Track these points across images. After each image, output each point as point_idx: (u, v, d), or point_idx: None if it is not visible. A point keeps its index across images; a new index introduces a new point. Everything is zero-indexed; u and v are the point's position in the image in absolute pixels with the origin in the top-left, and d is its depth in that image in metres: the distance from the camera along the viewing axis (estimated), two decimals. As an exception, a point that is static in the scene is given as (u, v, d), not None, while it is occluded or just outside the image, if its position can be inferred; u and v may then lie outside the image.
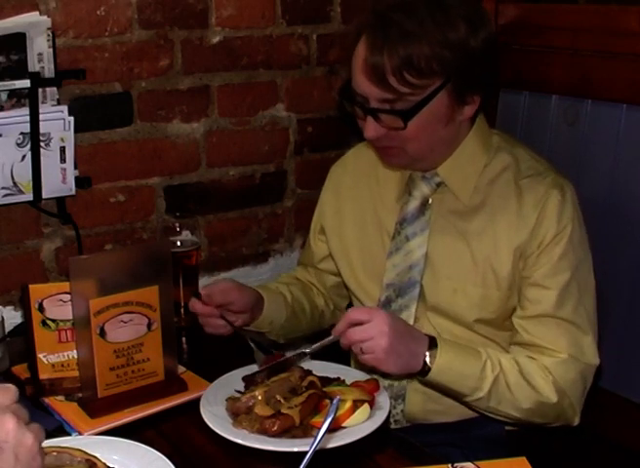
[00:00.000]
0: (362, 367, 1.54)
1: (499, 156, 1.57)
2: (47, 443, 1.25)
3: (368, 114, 1.46)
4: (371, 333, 1.39)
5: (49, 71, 1.78)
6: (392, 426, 1.62)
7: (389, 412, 1.44)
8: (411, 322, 1.58)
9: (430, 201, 1.59)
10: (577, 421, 1.54)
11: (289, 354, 1.56)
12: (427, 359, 1.43)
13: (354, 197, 1.73)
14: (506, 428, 1.59)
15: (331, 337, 1.46)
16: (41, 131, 1.79)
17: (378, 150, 1.58)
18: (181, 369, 1.59)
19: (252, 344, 1.60)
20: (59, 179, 1.85)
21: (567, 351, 1.49)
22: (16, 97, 1.77)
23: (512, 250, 1.51)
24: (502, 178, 1.55)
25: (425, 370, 1.43)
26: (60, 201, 1.90)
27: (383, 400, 1.45)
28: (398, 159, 1.54)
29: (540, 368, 1.49)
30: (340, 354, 1.80)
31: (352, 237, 1.71)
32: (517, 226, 1.51)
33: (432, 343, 1.44)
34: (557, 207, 1.50)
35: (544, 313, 1.50)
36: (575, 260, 1.51)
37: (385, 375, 1.55)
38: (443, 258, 1.57)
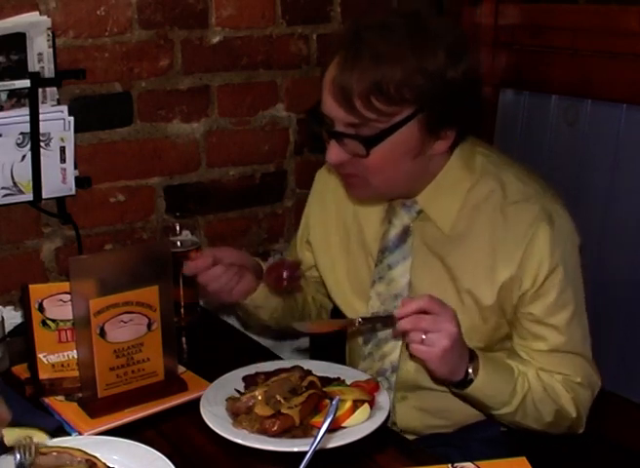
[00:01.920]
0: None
1: (483, 180, 1.47)
2: (47, 443, 1.26)
3: (332, 137, 1.38)
4: (440, 327, 1.31)
5: (49, 71, 1.78)
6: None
7: (389, 412, 1.43)
8: (397, 353, 1.55)
9: (412, 228, 1.53)
10: (582, 431, 1.54)
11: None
12: (470, 372, 1.38)
13: (339, 213, 1.66)
14: (502, 429, 1.59)
15: (389, 316, 1.38)
16: (41, 131, 1.79)
17: (341, 179, 1.51)
18: (181, 369, 1.59)
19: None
20: (59, 179, 1.85)
21: (579, 376, 1.49)
22: (16, 97, 1.77)
23: (498, 285, 1.44)
24: (487, 205, 1.46)
25: (465, 381, 1.39)
26: (60, 201, 1.90)
27: (383, 400, 1.45)
28: (361, 191, 1.47)
29: (562, 384, 1.47)
30: (341, 354, 1.80)
31: (338, 254, 1.66)
32: (502, 259, 1.44)
33: (472, 356, 1.39)
34: (548, 241, 1.42)
35: (553, 348, 1.47)
36: (573, 292, 1.46)
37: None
38: (427, 287, 1.48)
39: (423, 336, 1.32)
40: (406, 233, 1.53)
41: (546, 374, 1.48)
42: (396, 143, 1.35)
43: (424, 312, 1.32)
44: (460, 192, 1.47)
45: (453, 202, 1.48)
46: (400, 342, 1.54)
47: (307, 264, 1.77)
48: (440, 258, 1.50)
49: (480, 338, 1.47)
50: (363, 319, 1.44)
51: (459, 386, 1.41)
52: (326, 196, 1.70)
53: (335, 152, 1.39)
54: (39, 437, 1.29)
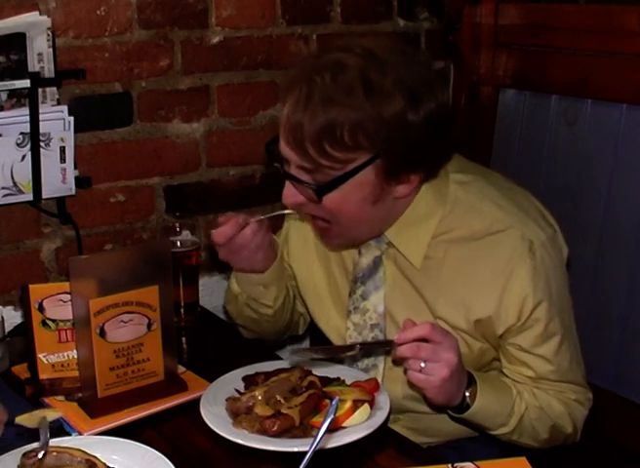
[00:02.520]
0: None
1: (456, 209, 1.40)
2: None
3: (286, 178, 1.33)
4: (440, 356, 1.27)
5: (49, 71, 1.78)
6: None
7: (389, 412, 1.43)
8: (379, 379, 1.51)
9: (384, 257, 1.48)
10: (577, 441, 1.53)
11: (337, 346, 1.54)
12: (467, 396, 1.36)
13: (317, 239, 1.57)
14: None
15: (388, 341, 1.37)
16: (41, 131, 1.79)
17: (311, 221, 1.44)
18: (181, 369, 1.59)
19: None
20: (59, 179, 1.85)
21: (573, 393, 1.47)
22: (16, 97, 1.77)
23: (473, 319, 1.40)
24: (460, 237, 1.40)
25: (463, 407, 1.36)
26: (60, 201, 1.90)
27: (383, 400, 1.45)
28: (330, 239, 1.43)
29: (557, 399, 1.46)
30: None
31: (320, 274, 1.60)
32: (478, 295, 1.39)
33: (469, 380, 1.36)
34: (530, 275, 1.36)
35: (541, 377, 1.44)
36: (560, 320, 1.42)
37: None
38: (404, 316, 1.38)
39: (422, 365, 1.28)
40: (377, 263, 1.48)
41: (541, 392, 1.45)
42: (351, 190, 1.29)
43: (425, 340, 1.28)
44: (431, 224, 1.41)
45: (422, 235, 1.41)
46: (382, 370, 1.52)
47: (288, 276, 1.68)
48: (414, 287, 1.46)
49: (467, 365, 1.38)
50: (362, 344, 1.44)
51: (455, 411, 1.39)
52: (305, 224, 1.60)
53: (290, 193, 1.34)
54: (52, 414, 1.36)
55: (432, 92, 1.28)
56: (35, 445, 1.25)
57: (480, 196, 1.41)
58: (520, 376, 1.45)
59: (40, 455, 1.21)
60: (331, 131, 1.23)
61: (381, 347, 1.48)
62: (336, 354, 1.48)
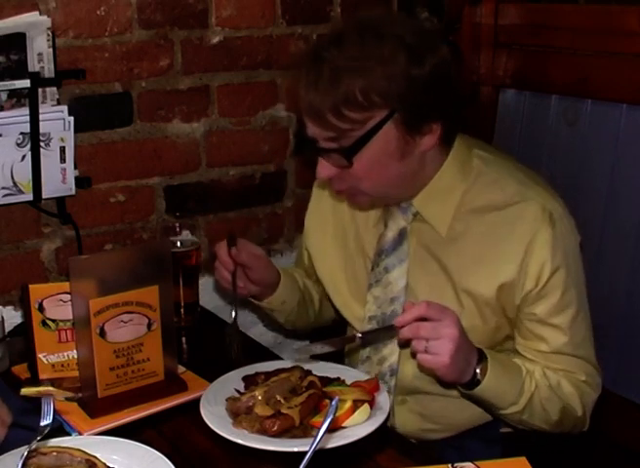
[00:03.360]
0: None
1: (479, 182, 1.48)
2: (47, 443, 1.26)
3: (317, 154, 1.40)
4: (440, 333, 1.30)
5: (49, 71, 1.78)
6: None
7: (389, 412, 1.43)
8: (395, 357, 1.55)
9: (408, 230, 1.53)
10: (586, 428, 1.55)
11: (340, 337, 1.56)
12: (478, 372, 1.37)
13: (336, 219, 1.67)
14: (501, 431, 1.59)
15: (390, 326, 1.39)
16: (41, 131, 1.79)
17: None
18: (181, 369, 1.59)
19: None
20: (58, 179, 1.85)
21: (584, 374, 1.49)
22: (16, 97, 1.77)
23: (497, 285, 1.44)
24: (484, 207, 1.47)
25: (473, 382, 1.38)
26: (60, 201, 1.90)
27: (383, 400, 1.45)
28: (359, 199, 1.48)
29: (569, 381, 1.47)
30: (341, 354, 1.80)
31: (336, 259, 1.66)
32: (501, 261, 1.44)
33: (479, 355, 1.38)
34: (549, 242, 1.42)
35: (555, 350, 1.47)
36: (576, 292, 1.46)
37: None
38: (425, 290, 1.50)
39: (426, 344, 1.31)
40: (402, 236, 1.53)
41: (552, 372, 1.47)
42: (377, 148, 1.36)
43: (424, 319, 1.31)
44: (455, 195, 1.47)
45: (448, 205, 1.48)
46: (398, 346, 1.54)
47: (310, 271, 1.78)
48: (437, 260, 1.50)
49: (480, 340, 1.44)
50: (363, 333, 1.45)
51: (466, 387, 1.40)
52: (323, 213, 1.70)
53: (322, 169, 1.41)
54: (57, 393, 1.37)
55: (432, 48, 1.37)
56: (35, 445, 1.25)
57: (501, 171, 1.49)
58: (533, 352, 1.48)
59: (43, 424, 1.20)
60: (346, 98, 1.31)
61: (385, 333, 1.50)
62: (337, 347, 1.49)
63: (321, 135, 1.37)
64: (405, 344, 1.43)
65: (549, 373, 1.47)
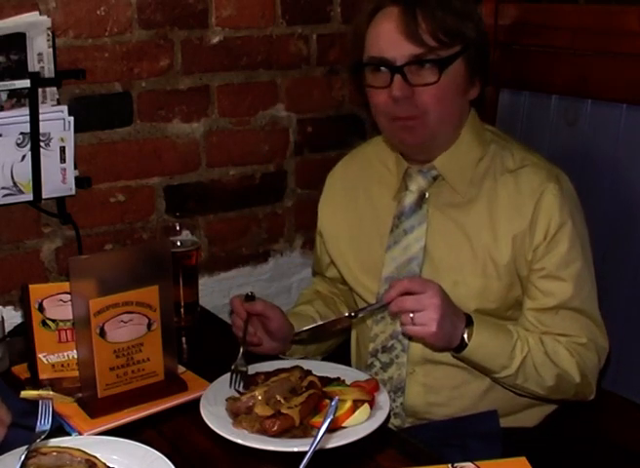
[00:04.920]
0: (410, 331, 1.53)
1: (492, 150, 1.62)
2: (47, 443, 1.26)
3: (397, 73, 1.49)
4: (424, 304, 1.40)
5: (49, 71, 1.78)
6: (392, 420, 1.63)
7: (389, 412, 1.43)
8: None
9: (427, 195, 1.62)
10: (592, 397, 1.61)
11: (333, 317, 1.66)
12: (465, 336, 1.46)
13: (349, 200, 1.76)
14: (502, 426, 1.59)
15: (379, 304, 1.49)
16: (41, 131, 1.79)
17: (396, 125, 1.57)
18: (181, 369, 1.59)
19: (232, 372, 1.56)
20: (58, 179, 1.85)
21: (586, 337, 1.56)
22: (16, 97, 1.77)
23: (510, 238, 1.55)
24: (497, 171, 1.59)
25: (462, 346, 1.47)
26: (60, 201, 1.90)
27: (383, 400, 1.45)
28: (417, 132, 1.54)
29: (566, 348, 1.54)
30: (340, 354, 1.80)
31: (347, 236, 1.74)
32: (514, 216, 1.55)
33: (468, 320, 1.48)
34: (557, 197, 1.54)
35: (560, 303, 1.54)
36: (582, 247, 1.56)
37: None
38: (442, 251, 1.60)
39: (411, 316, 1.41)
40: (422, 199, 1.62)
41: (550, 339, 1.54)
42: (454, 75, 1.52)
43: (409, 293, 1.41)
44: (473, 158, 1.60)
45: (467, 166, 1.60)
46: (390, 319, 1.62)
47: (326, 262, 1.84)
48: (454, 221, 1.60)
49: (495, 298, 1.56)
50: (355, 311, 1.54)
51: (455, 351, 1.49)
52: (336, 197, 1.80)
53: (399, 87, 1.50)
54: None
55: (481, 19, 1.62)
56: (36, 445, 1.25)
57: (510, 142, 1.65)
58: (539, 313, 1.55)
59: (40, 430, 1.22)
60: (442, 23, 1.49)
61: (376, 311, 1.58)
62: (332, 327, 1.59)
63: (409, 51, 1.49)
64: (396, 318, 1.54)
65: (546, 340, 1.54)
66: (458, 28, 1.51)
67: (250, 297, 1.63)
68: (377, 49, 1.52)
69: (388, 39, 1.51)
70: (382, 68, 1.52)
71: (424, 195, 1.62)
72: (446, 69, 1.50)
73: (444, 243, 1.60)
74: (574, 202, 1.59)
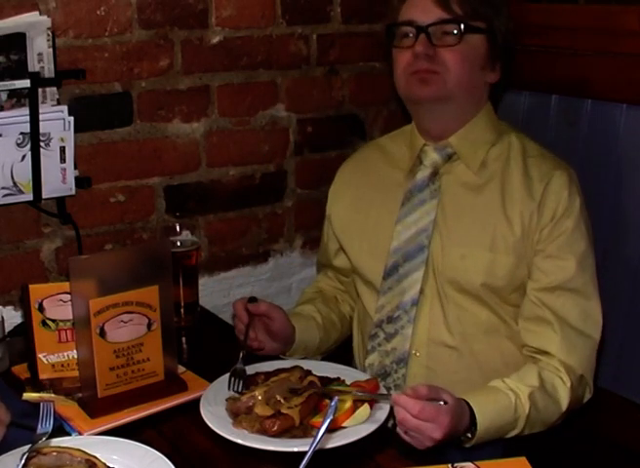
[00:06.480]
0: None
1: (505, 138, 1.68)
2: (47, 443, 1.26)
3: (422, 32, 1.57)
4: (423, 434, 1.33)
5: (49, 71, 1.78)
6: (392, 391, 1.63)
7: (390, 411, 1.43)
8: (417, 287, 1.63)
9: (441, 172, 1.66)
10: (590, 395, 1.61)
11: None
12: (469, 435, 1.43)
13: (360, 182, 1.80)
14: None
15: (383, 396, 1.44)
16: (41, 131, 1.79)
17: (414, 78, 1.61)
18: (181, 369, 1.59)
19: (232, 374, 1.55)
20: (58, 179, 1.85)
21: (577, 324, 1.58)
22: (16, 97, 1.77)
23: (520, 216, 1.59)
24: (509, 156, 1.65)
25: (467, 437, 1.44)
26: (60, 201, 1.90)
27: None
28: (433, 84, 1.59)
29: (560, 377, 1.53)
30: (340, 354, 1.80)
31: (356, 216, 1.77)
32: (525, 196, 1.60)
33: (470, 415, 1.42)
34: (565, 183, 1.60)
35: (561, 283, 1.57)
36: (587, 231, 1.61)
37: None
38: (451, 225, 1.63)
39: (410, 433, 1.33)
40: (435, 175, 1.67)
41: (548, 373, 1.52)
42: (474, 46, 1.59)
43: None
44: (487, 141, 1.66)
45: (480, 147, 1.65)
46: (422, 275, 1.64)
47: (334, 248, 1.86)
48: (466, 199, 1.64)
49: (503, 274, 1.59)
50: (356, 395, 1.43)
51: (463, 443, 1.45)
52: (344, 180, 1.84)
53: (423, 43, 1.57)
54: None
55: (510, 18, 1.69)
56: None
57: (521, 134, 1.72)
58: (541, 294, 1.58)
59: (41, 432, 1.22)
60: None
61: (381, 399, 1.46)
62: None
63: (437, 16, 1.57)
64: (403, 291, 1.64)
65: (546, 376, 1.52)
66: (485, 10, 1.60)
67: (253, 300, 1.64)
68: (408, 13, 1.62)
69: (419, 4, 1.60)
70: (409, 29, 1.60)
71: (438, 172, 1.66)
72: (467, 35, 1.57)
73: (454, 218, 1.64)
74: (578, 188, 1.63)
